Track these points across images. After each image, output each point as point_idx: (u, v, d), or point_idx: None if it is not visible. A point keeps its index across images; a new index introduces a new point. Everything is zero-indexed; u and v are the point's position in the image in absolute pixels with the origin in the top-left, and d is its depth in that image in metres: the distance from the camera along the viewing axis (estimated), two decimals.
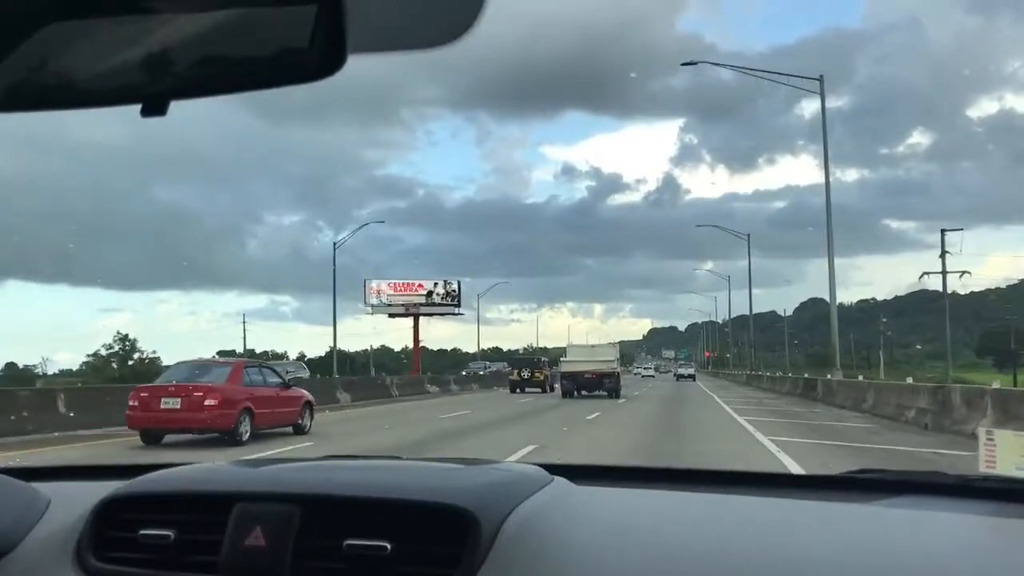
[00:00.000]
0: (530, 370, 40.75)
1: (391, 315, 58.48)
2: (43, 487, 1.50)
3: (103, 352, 74.85)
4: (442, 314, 59.22)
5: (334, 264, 49.40)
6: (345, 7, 0.71)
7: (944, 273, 49.75)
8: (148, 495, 1.36)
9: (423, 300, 58.78)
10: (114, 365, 70.40)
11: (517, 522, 1.20)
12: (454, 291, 60.92)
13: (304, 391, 16.88)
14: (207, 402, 13.78)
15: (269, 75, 0.77)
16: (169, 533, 1.26)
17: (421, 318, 60.93)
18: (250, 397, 14.56)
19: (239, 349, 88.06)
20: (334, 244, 49.68)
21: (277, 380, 16.19)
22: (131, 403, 14.27)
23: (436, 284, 60.32)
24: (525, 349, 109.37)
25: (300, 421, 16.17)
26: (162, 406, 13.90)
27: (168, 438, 14.52)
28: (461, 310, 61.22)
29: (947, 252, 49.95)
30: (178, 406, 13.82)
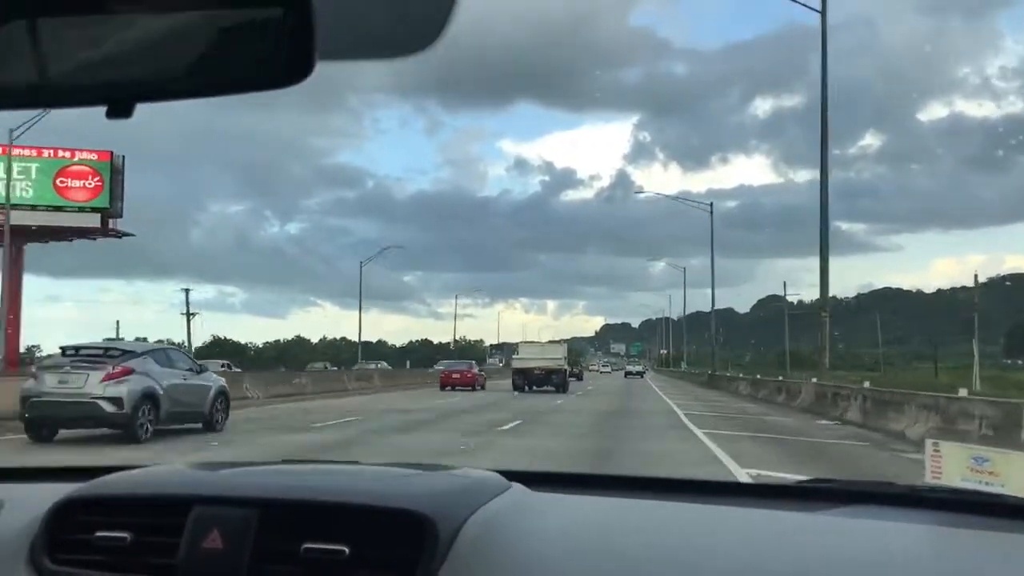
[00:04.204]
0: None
1: None
2: None
3: None
4: (90, 233, 28.79)
5: None
6: (314, 14, 0.74)
7: None
8: (105, 497, 1.34)
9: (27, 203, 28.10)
10: None
11: (475, 527, 1.22)
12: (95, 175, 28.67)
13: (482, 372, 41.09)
14: (468, 374, 38.43)
15: (237, 80, 0.79)
16: (126, 535, 1.25)
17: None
18: (477, 375, 38.79)
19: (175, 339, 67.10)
20: None
21: (476, 366, 40.49)
22: (442, 375, 39.08)
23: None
24: (455, 342, 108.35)
25: (483, 385, 39.24)
26: (453, 376, 38.41)
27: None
28: (123, 227, 31.10)
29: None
30: (459, 376, 38.26)
